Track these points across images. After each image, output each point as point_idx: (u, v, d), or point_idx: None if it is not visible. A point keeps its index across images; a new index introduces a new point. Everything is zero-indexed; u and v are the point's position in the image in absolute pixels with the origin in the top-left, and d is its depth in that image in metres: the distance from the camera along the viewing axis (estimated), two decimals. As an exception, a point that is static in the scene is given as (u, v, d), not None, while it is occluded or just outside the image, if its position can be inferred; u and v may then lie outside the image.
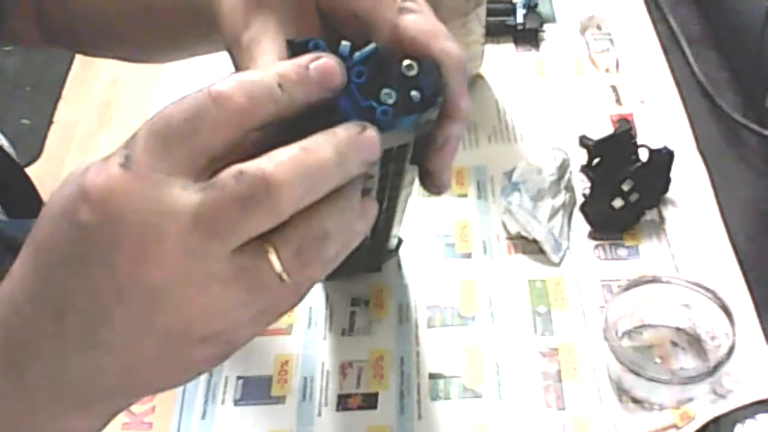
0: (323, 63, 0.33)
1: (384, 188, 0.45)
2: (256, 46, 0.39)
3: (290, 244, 0.31)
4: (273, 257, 0.31)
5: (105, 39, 0.58)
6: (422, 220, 0.65)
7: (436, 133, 0.40)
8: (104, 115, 1.27)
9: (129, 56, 0.63)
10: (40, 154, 1.98)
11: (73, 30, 0.58)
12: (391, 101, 0.38)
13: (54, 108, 2.11)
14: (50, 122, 1.94)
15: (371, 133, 0.33)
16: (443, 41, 0.40)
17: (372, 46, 0.38)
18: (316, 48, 0.37)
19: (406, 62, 0.39)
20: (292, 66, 0.32)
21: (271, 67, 0.32)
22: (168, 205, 0.29)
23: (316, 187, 0.31)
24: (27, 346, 0.32)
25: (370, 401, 0.55)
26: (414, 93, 0.38)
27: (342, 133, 0.32)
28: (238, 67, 0.41)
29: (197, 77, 0.72)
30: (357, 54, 0.38)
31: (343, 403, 0.55)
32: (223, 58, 0.43)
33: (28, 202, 0.94)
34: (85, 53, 0.63)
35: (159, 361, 0.32)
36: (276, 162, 0.30)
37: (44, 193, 0.96)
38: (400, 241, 0.61)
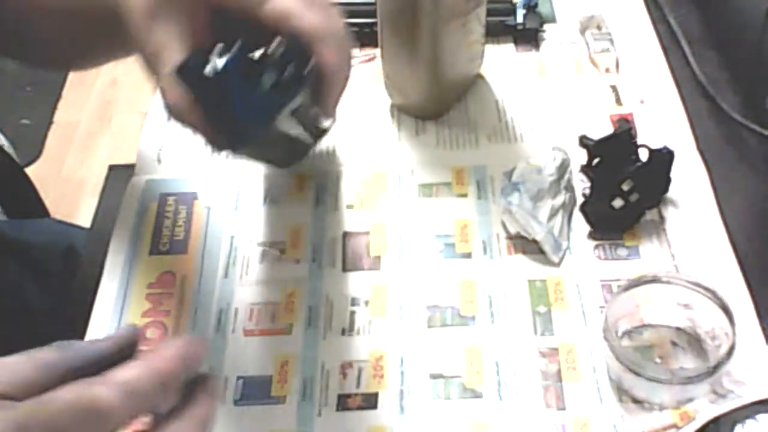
0: (194, 350, 0.39)
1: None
2: (162, 52, 0.48)
3: None
4: None
5: (22, 42, 0.61)
6: (422, 220, 0.65)
7: (322, 86, 0.50)
8: (104, 115, 1.27)
9: (41, 62, 0.66)
10: (40, 154, 1.98)
11: None
12: (270, 83, 0.47)
13: (54, 108, 2.11)
14: (50, 122, 1.95)
15: (196, 350, 0.39)
16: (301, 17, 0.48)
17: (238, 43, 0.46)
18: (193, 67, 0.46)
19: (273, 45, 0.47)
20: (174, 367, 0.37)
21: (154, 364, 0.37)
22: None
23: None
24: None
25: (370, 401, 0.55)
26: (288, 70, 0.47)
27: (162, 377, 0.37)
28: (149, 69, 0.49)
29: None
30: (228, 55, 0.46)
31: (343, 403, 0.55)
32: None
33: (27, 202, 0.95)
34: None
35: None
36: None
37: (44, 193, 0.96)
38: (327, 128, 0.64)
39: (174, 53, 0.47)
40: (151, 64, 0.49)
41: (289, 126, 0.52)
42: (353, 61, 0.52)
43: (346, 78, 0.51)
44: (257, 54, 0.47)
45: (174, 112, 0.49)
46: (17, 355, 0.36)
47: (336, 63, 0.49)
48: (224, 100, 0.47)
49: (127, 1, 0.49)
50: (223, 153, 0.50)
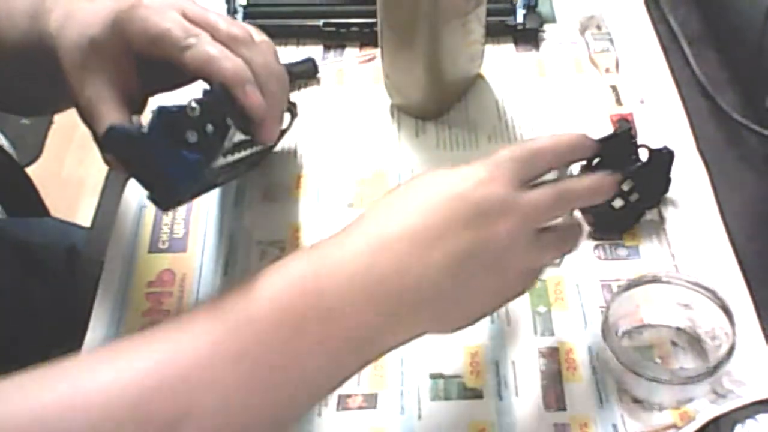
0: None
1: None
2: (94, 105, 0.51)
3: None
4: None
5: None
6: (422, 220, 0.65)
7: (252, 125, 0.51)
8: (104, 114, 1.25)
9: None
10: (40, 154, 1.98)
11: None
12: (193, 140, 0.48)
13: (54, 108, 2.07)
14: (50, 122, 1.94)
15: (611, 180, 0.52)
16: (217, 64, 0.49)
17: (156, 109, 0.48)
18: (123, 131, 0.49)
19: (190, 105, 0.48)
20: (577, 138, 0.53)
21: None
22: (517, 202, 0.46)
23: (590, 201, 0.52)
24: (421, 289, 0.44)
25: (370, 401, 0.55)
26: (209, 127, 0.48)
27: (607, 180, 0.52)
28: (86, 122, 0.52)
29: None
30: (148, 122, 0.48)
31: (343, 403, 0.55)
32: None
33: (28, 202, 0.95)
34: None
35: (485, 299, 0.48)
36: (576, 184, 0.51)
37: (44, 193, 0.96)
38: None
39: (103, 105, 0.50)
40: (85, 117, 0.52)
41: (232, 158, 0.53)
42: (287, 94, 0.54)
43: (277, 112, 0.53)
44: (178, 108, 0.48)
45: (112, 168, 0.53)
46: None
47: (259, 105, 0.50)
48: (151, 162, 0.49)
49: (62, 52, 0.51)
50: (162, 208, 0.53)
